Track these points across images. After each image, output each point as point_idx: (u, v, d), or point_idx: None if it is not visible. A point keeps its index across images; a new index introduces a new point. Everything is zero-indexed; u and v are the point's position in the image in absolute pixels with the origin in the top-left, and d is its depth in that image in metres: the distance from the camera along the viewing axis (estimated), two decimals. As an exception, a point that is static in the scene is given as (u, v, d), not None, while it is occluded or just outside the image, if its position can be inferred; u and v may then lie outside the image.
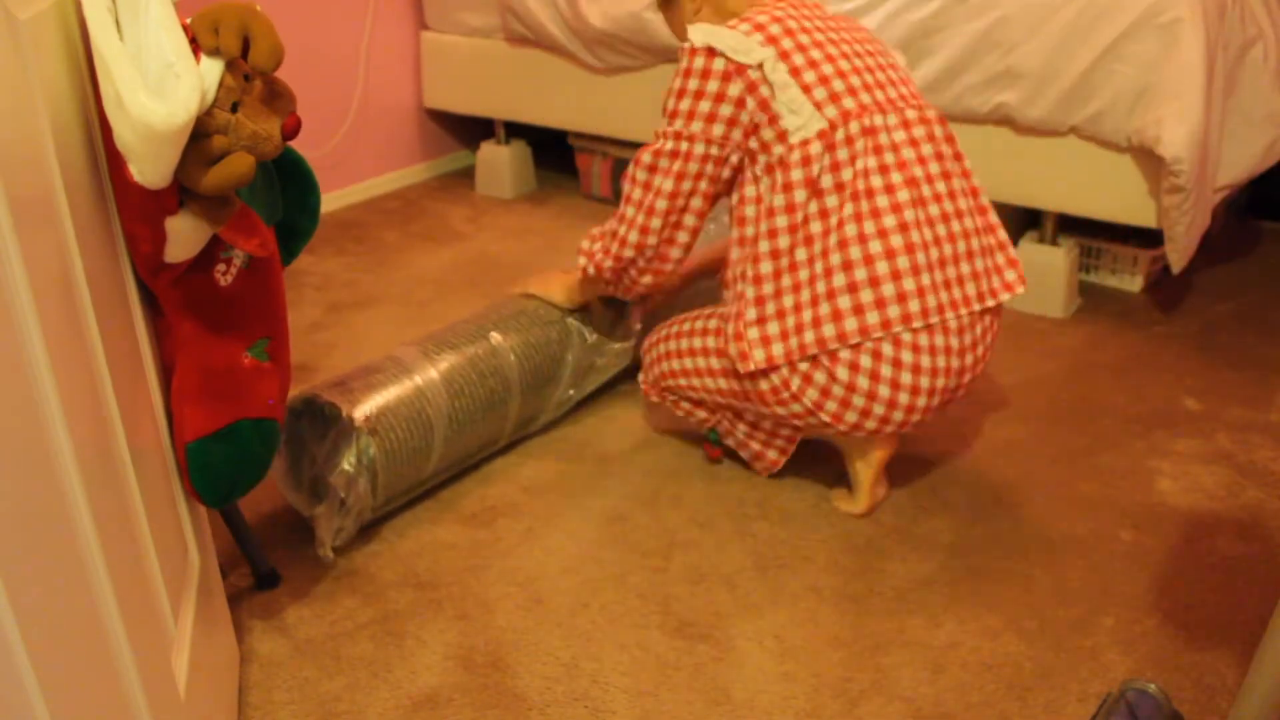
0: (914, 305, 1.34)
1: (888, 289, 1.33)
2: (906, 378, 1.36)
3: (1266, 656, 0.94)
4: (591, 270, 1.57)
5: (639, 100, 2.58)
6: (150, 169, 0.87)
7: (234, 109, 0.91)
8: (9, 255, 0.64)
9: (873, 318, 1.34)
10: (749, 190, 1.41)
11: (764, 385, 1.42)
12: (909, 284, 1.34)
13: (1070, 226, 2.24)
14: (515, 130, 2.93)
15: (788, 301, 1.38)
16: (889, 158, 1.36)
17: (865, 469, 1.53)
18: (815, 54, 1.38)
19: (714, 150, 1.40)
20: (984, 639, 1.32)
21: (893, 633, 1.33)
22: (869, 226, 1.34)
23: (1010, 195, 2.14)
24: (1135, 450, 1.71)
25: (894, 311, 1.34)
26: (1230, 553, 1.47)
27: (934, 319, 1.35)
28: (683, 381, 1.56)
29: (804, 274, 1.37)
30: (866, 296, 1.34)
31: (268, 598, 1.41)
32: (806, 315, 1.36)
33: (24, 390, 0.65)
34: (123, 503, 0.85)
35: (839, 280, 1.34)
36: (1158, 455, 1.69)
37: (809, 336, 1.36)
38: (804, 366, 1.38)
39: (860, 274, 1.34)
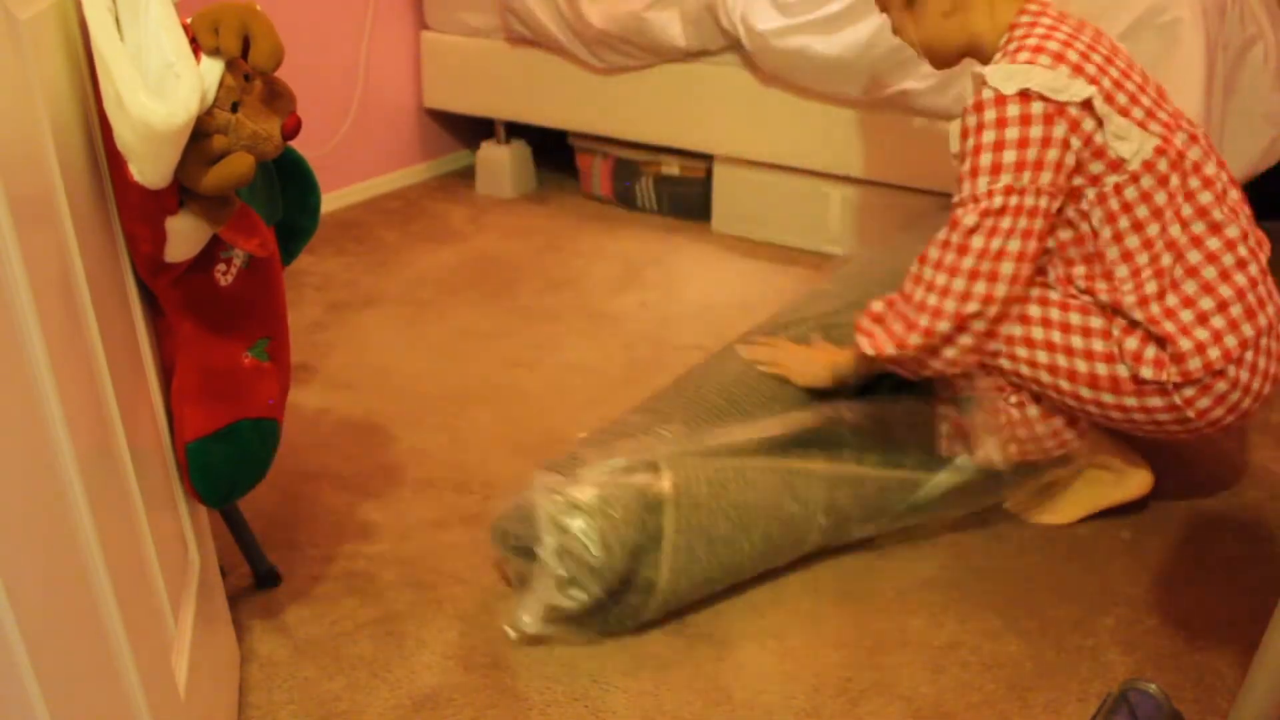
0: (1262, 321, 1.32)
1: (1236, 310, 1.31)
2: (1257, 384, 1.33)
3: (1266, 656, 0.94)
4: (891, 350, 1.38)
5: (639, 100, 2.58)
6: (150, 169, 0.87)
7: (234, 109, 0.91)
8: (9, 255, 0.64)
9: (1231, 341, 1.30)
10: (1063, 234, 1.36)
11: (1155, 401, 1.33)
12: (1251, 298, 1.31)
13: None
14: (515, 130, 2.93)
15: (1186, 314, 1.31)
16: (1205, 171, 1.33)
17: (1103, 495, 1.50)
18: (1113, 72, 1.31)
19: (1046, 203, 1.30)
20: (984, 639, 1.32)
21: (893, 633, 1.33)
22: (1215, 245, 1.31)
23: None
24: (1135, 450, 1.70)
25: (1248, 331, 1.31)
26: (1230, 553, 1.47)
27: (1263, 342, 1.33)
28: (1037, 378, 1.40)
29: (1189, 286, 1.31)
30: (1237, 311, 1.30)
31: (268, 598, 1.41)
32: (1186, 344, 1.30)
33: (24, 390, 0.65)
34: (123, 503, 0.85)
35: (1208, 304, 1.30)
36: (1158, 455, 1.69)
37: (1194, 364, 1.30)
38: (1189, 392, 1.31)
39: (1227, 291, 1.30)
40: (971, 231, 1.30)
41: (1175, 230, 1.31)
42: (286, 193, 1.18)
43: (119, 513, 0.83)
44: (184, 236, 0.95)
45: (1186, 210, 1.31)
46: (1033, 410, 1.43)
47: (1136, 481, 1.52)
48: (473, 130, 3.11)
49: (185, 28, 0.88)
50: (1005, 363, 1.40)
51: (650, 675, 1.27)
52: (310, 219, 1.23)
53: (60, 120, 0.80)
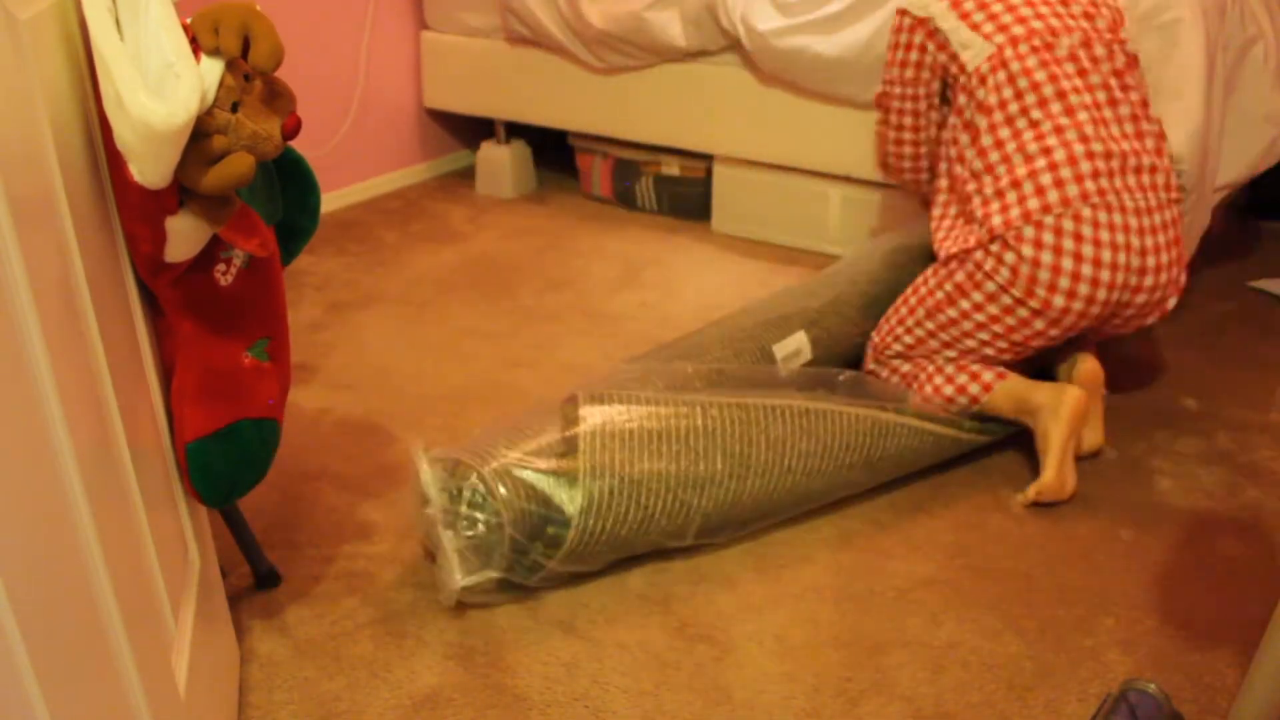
0: (1090, 185, 1.53)
1: (1065, 172, 1.53)
2: (1088, 250, 1.52)
3: (1266, 656, 0.94)
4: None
5: (639, 100, 2.58)
6: (150, 169, 0.87)
7: (234, 109, 0.91)
8: (9, 255, 0.64)
9: (1053, 195, 1.53)
10: (951, 119, 1.68)
11: (960, 276, 1.60)
12: (1085, 166, 1.53)
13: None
14: (515, 130, 2.93)
15: (976, 200, 1.60)
16: (1062, 81, 1.58)
17: (1057, 430, 1.56)
18: None
19: (908, 90, 1.76)
20: (984, 639, 1.32)
21: (893, 633, 1.33)
22: (1047, 128, 1.56)
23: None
24: (1135, 450, 1.71)
25: (1072, 190, 1.52)
26: (1230, 553, 1.47)
27: (1111, 199, 1.53)
28: (898, 345, 1.71)
29: (989, 179, 1.58)
30: (1046, 179, 1.53)
31: (268, 598, 1.41)
32: (995, 205, 1.56)
33: (24, 390, 0.65)
34: (123, 503, 0.85)
35: (1021, 171, 1.55)
36: (1158, 455, 1.69)
37: (996, 220, 1.55)
38: (995, 247, 1.55)
39: (1040, 163, 1.55)
40: (881, 99, 1.82)
41: (1004, 132, 1.59)
42: (286, 193, 1.18)
43: (119, 513, 0.83)
44: (184, 236, 0.95)
45: (1013, 111, 1.59)
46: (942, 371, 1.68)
47: (1084, 370, 1.68)
48: (473, 130, 3.11)
49: (185, 28, 0.88)
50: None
51: (650, 675, 1.27)
52: (310, 219, 1.23)
53: (60, 120, 0.80)
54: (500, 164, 2.91)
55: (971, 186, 1.62)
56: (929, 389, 1.66)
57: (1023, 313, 1.57)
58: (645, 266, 2.45)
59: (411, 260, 2.49)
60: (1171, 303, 1.62)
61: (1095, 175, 1.54)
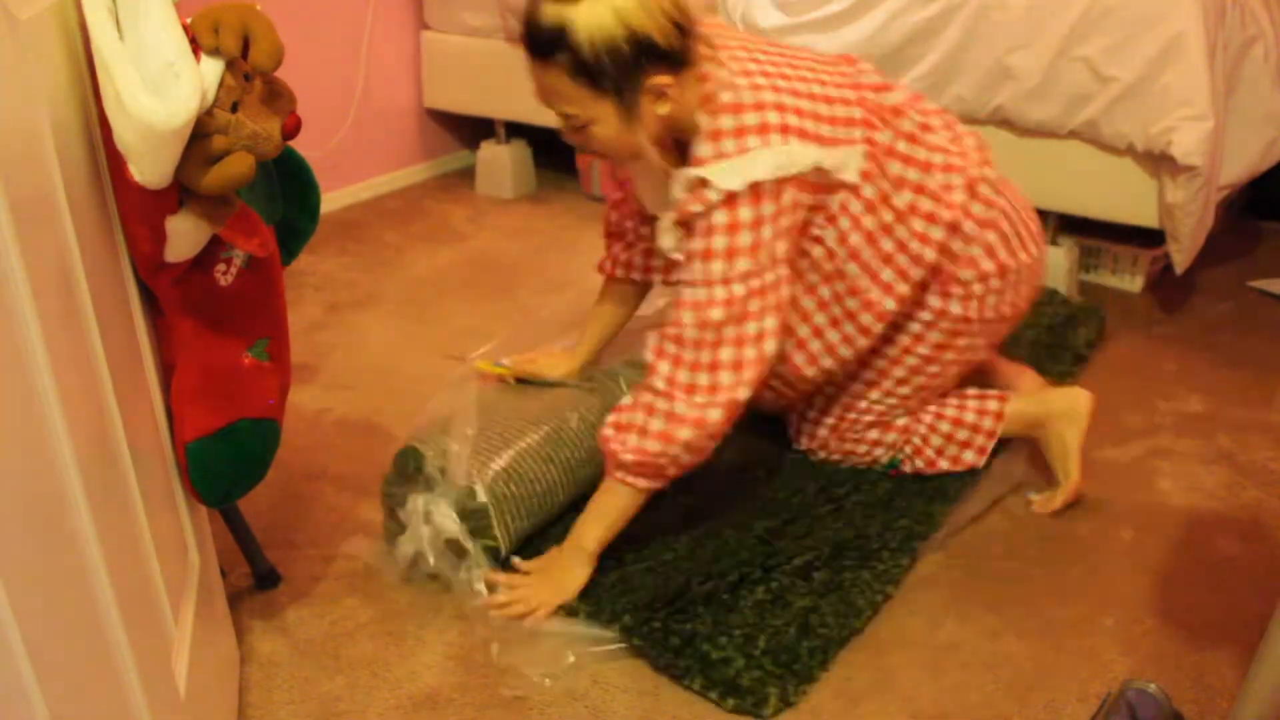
0: (990, 171, 1.43)
1: (962, 160, 1.41)
2: (1010, 204, 1.44)
3: (1266, 656, 0.94)
4: (656, 449, 1.28)
5: (639, 100, 2.58)
6: (150, 169, 0.87)
7: (234, 109, 0.91)
8: (9, 255, 0.64)
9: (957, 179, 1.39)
10: (815, 249, 1.38)
11: (943, 325, 1.46)
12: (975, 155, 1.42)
13: (1070, 226, 2.24)
14: (515, 130, 2.93)
15: (897, 239, 1.39)
16: (916, 119, 1.40)
17: (1074, 434, 1.54)
18: (818, 108, 1.29)
19: (784, 268, 1.29)
20: (984, 639, 1.32)
21: (893, 633, 1.33)
22: (935, 154, 1.40)
23: (1010, 195, 2.14)
24: (1135, 450, 1.70)
25: (974, 172, 1.40)
26: (1230, 553, 1.47)
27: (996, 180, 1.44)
28: (868, 416, 1.55)
29: (907, 204, 1.38)
30: (957, 180, 1.39)
31: (268, 598, 1.40)
32: (930, 219, 1.38)
33: (24, 390, 0.65)
34: (123, 503, 0.85)
35: (933, 182, 1.39)
36: (1158, 455, 1.69)
37: (945, 214, 1.39)
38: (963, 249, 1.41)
39: (939, 162, 1.40)
40: (722, 324, 1.25)
41: (892, 207, 1.37)
42: (286, 193, 1.17)
43: (119, 513, 0.83)
44: (184, 236, 0.95)
45: (900, 178, 1.37)
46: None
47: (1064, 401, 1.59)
48: (473, 130, 3.11)
49: (185, 28, 0.88)
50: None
51: (650, 675, 1.26)
52: (310, 219, 1.23)
53: (60, 120, 0.80)
54: (500, 164, 2.91)
55: (872, 251, 1.38)
56: (937, 440, 1.56)
57: (1017, 292, 1.48)
58: (645, 266, 2.45)
59: (411, 260, 2.49)
60: None
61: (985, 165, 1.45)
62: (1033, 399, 1.60)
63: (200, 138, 0.89)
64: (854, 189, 1.33)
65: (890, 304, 1.41)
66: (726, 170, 1.23)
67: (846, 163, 1.31)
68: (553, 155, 3.06)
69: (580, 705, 1.22)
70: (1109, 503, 1.57)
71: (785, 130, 1.25)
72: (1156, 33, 1.85)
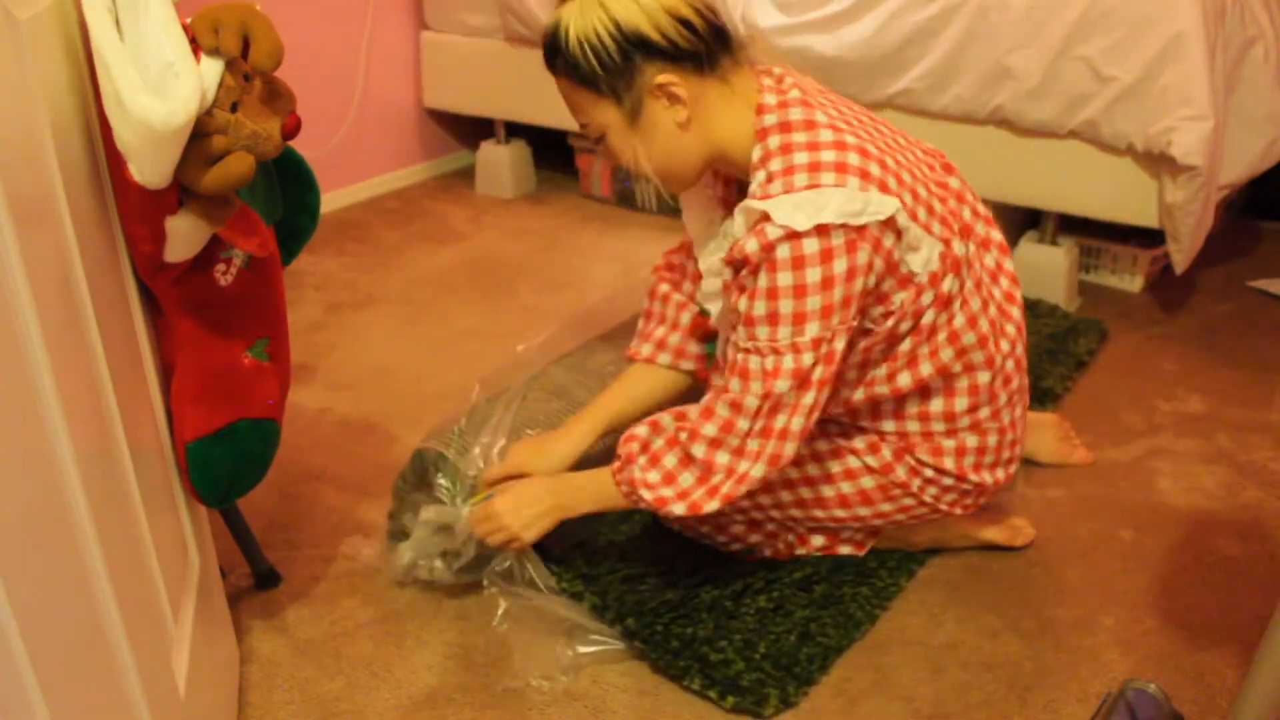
0: (1016, 382, 1.31)
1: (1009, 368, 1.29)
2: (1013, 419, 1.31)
3: (1266, 656, 0.94)
4: (680, 512, 1.20)
5: (639, 100, 2.57)
6: (150, 169, 0.87)
7: (234, 109, 0.91)
8: (9, 255, 0.64)
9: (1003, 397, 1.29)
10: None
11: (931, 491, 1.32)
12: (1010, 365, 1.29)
13: (1070, 226, 2.24)
14: (515, 130, 2.93)
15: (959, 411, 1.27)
16: (987, 259, 1.27)
17: (952, 533, 1.46)
18: (890, 161, 1.14)
19: (839, 345, 1.14)
20: (984, 639, 1.32)
21: (893, 633, 1.33)
22: (984, 325, 1.24)
23: (1010, 195, 2.14)
24: (1135, 450, 1.71)
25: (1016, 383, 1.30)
26: (1230, 553, 1.47)
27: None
28: (739, 517, 1.38)
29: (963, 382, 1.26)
30: (1000, 385, 1.28)
31: (268, 598, 1.40)
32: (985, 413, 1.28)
33: (24, 390, 0.65)
34: (123, 503, 0.85)
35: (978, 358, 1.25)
36: (1158, 455, 1.69)
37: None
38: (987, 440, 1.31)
39: (977, 357, 1.25)
40: (783, 395, 1.14)
41: (947, 354, 1.22)
42: (286, 193, 1.17)
43: (119, 513, 0.83)
44: (184, 236, 0.95)
45: (962, 313, 1.21)
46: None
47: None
48: (473, 130, 3.10)
49: (185, 28, 0.88)
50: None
51: (650, 675, 1.26)
52: (310, 219, 1.23)
53: (60, 120, 0.80)
54: (500, 164, 2.91)
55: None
56: (794, 539, 1.41)
57: (962, 503, 1.35)
58: (645, 266, 2.44)
59: (411, 260, 2.49)
60: None
61: (1021, 371, 1.33)
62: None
63: (200, 138, 0.89)
64: (918, 289, 1.16)
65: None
66: (789, 204, 1.09)
67: (920, 245, 1.14)
68: (553, 155, 3.06)
69: (580, 705, 1.22)
70: (1109, 503, 1.57)
71: (866, 176, 1.10)
72: (1156, 33, 1.85)
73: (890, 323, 1.18)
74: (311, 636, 1.33)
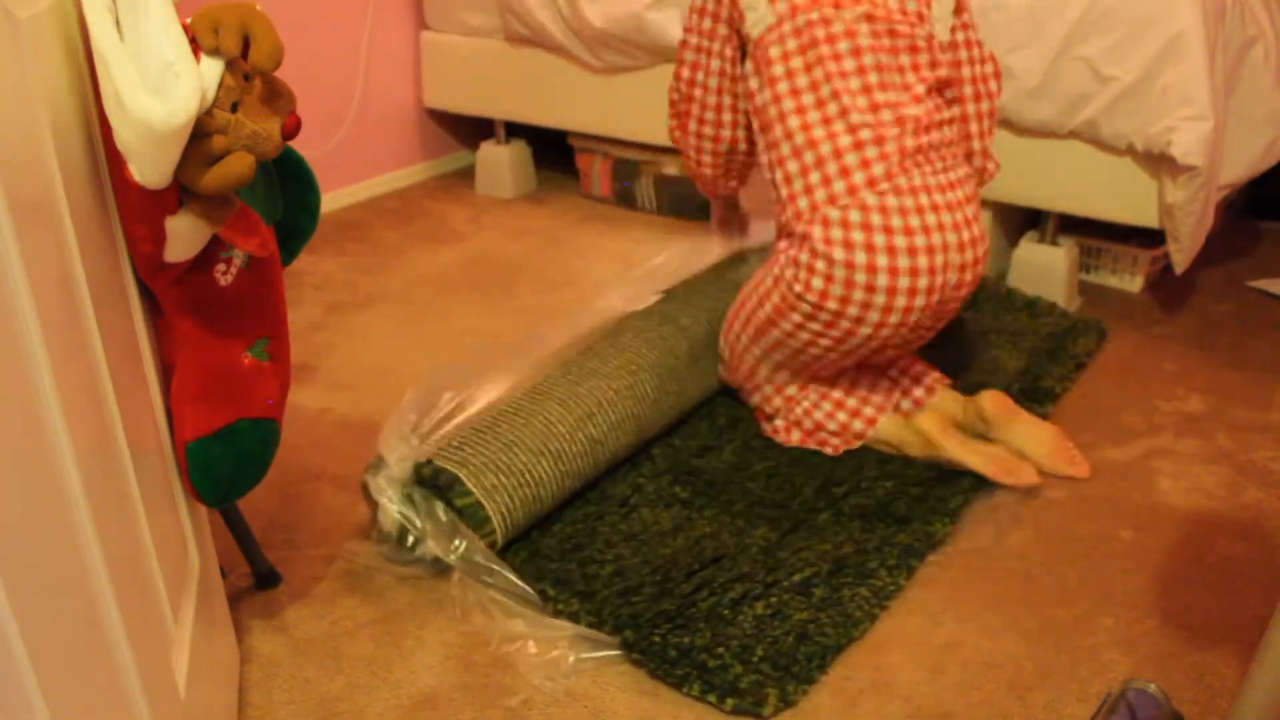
0: (877, 169, 1.46)
1: (850, 159, 1.46)
2: (880, 239, 1.44)
3: (1267, 656, 0.94)
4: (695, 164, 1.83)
5: (639, 100, 2.58)
6: (150, 169, 0.87)
7: (234, 109, 0.91)
8: (9, 255, 0.64)
9: (839, 185, 1.47)
10: (752, 83, 1.58)
11: (775, 298, 1.53)
12: (871, 152, 1.46)
13: (1070, 226, 2.24)
14: (515, 130, 2.93)
15: (775, 198, 1.55)
16: (844, 48, 1.49)
17: (952, 441, 1.60)
18: None
19: (704, 41, 1.66)
20: (984, 639, 1.32)
21: (892, 633, 1.33)
22: (832, 110, 1.48)
23: (1011, 195, 2.14)
24: (1135, 450, 1.71)
25: (858, 177, 1.45)
26: (1230, 553, 1.47)
27: (900, 181, 1.46)
28: (758, 372, 1.66)
29: (780, 175, 1.52)
30: (832, 168, 1.47)
31: (268, 598, 1.41)
32: (789, 208, 1.51)
33: (24, 390, 0.65)
34: (123, 503, 0.85)
35: (809, 158, 1.49)
36: (1158, 455, 1.69)
37: (797, 226, 1.50)
38: (804, 257, 1.48)
39: (825, 149, 1.48)
40: (678, 48, 1.72)
41: (792, 120, 1.51)
42: (286, 193, 1.17)
43: (119, 513, 0.83)
44: (184, 236, 0.95)
45: (794, 91, 1.51)
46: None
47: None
48: (473, 130, 3.11)
49: (185, 28, 0.88)
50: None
51: (650, 676, 1.26)
52: (310, 219, 1.23)
53: (60, 120, 0.80)
54: (500, 164, 2.91)
55: (777, 185, 1.55)
56: (809, 423, 1.66)
57: (845, 324, 1.49)
58: (641, 267, 2.45)
59: (411, 260, 2.49)
60: (979, 273, 1.55)
61: (884, 158, 1.46)
62: (902, 423, 1.64)
63: (200, 138, 0.89)
64: (752, 54, 1.55)
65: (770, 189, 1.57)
66: None
67: (756, 6, 1.53)
68: (553, 155, 3.06)
69: (580, 705, 1.22)
70: (1109, 503, 1.58)
71: None
72: (1156, 33, 1.85)
73: (756, 78, 1.56)
74: (311, 636, 1.34)
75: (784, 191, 1.52)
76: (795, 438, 1.68)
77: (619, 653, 1.29)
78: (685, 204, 2.73)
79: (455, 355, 2.04)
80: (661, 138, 2.61)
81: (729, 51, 1.64)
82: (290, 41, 2.59)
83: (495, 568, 1.38)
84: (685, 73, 1.72)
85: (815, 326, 1.51)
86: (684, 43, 1.71)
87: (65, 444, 0.70)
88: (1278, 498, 1.58)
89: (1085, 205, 2.08)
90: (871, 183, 1.45)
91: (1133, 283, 2.28)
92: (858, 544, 1.45)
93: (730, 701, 1.20)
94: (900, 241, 1.44)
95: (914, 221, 1.45)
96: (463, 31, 2.81)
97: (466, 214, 2.80)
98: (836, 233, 1.45)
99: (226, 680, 1.19)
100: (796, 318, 1.52)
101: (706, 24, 1.64)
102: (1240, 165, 2.00)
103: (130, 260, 0.98)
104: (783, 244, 1.56)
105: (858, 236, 1.44)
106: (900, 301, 1.46)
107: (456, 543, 1.38)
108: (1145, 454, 1.70)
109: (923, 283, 1.46)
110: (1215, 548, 1.48)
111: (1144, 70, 1.87)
